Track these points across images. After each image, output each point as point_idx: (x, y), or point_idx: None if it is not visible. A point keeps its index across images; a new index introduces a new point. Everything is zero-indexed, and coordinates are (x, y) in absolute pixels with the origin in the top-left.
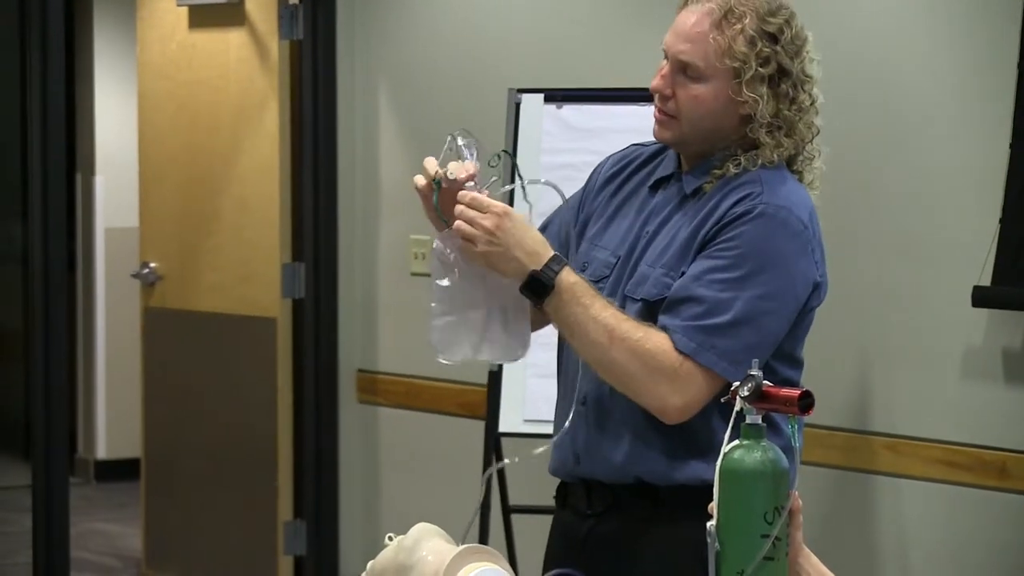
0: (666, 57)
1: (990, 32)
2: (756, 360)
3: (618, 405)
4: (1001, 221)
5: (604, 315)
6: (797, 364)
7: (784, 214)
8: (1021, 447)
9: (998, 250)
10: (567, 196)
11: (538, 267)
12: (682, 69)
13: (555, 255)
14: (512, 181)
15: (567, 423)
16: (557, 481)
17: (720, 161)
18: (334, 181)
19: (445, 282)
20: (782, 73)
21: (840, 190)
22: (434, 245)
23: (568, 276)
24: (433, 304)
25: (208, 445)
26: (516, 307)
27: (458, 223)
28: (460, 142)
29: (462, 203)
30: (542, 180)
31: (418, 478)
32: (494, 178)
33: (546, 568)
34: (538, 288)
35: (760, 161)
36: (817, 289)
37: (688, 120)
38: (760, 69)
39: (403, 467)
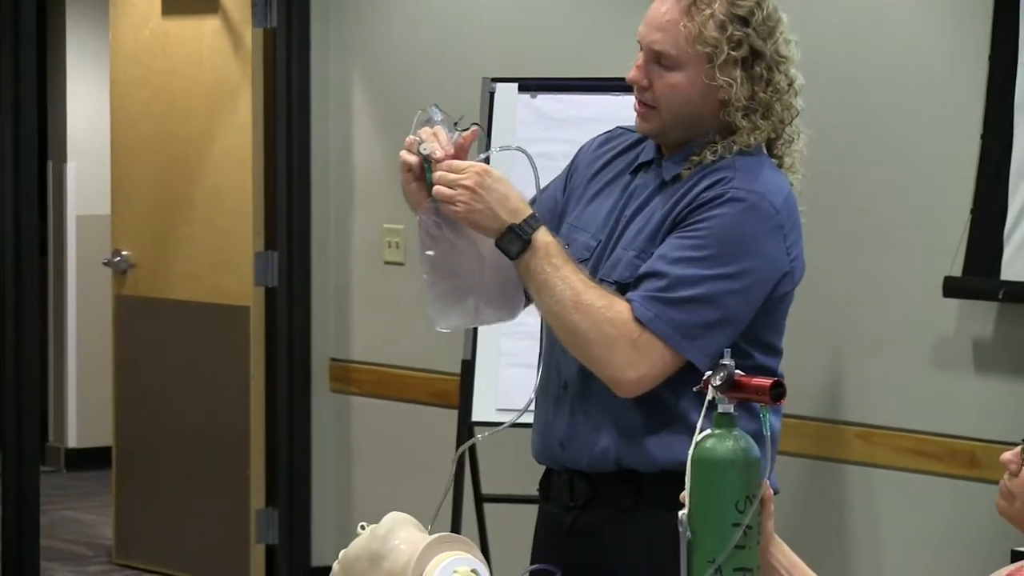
0: (641, 48)
1: (962, 23)
2: (728, 349)
3: (600, 390)
4: (972, 211)
5: (572, 279)
6: (774, 352)
7: (755, 199)
8: (991, 436)
9: (969, 240)
10: (540, 174)
11: (517, 221)
12: (656, 59)
13: (533, 214)
14: (486, 150)
15: (550, 409)
16: (530, 471)
17: (699, 148)
18: (307, 169)
19: (431, 252)
20: (755, 55)
21: (812, 179)
22: (419, 218)
23: (544, 235)
24: (425, 276)
25: (180, 433)
26: (507, 268)
27: (437, 188)
28: (438, 118)
29: (440, 170)
30: (513, 146)
31: (390, 467)
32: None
33: (534, 561)
34: (514, 242)
35: (737, 147)
36: (789, 275)
37: (667, 109)
38: (732, 52)
39: (375, 456)
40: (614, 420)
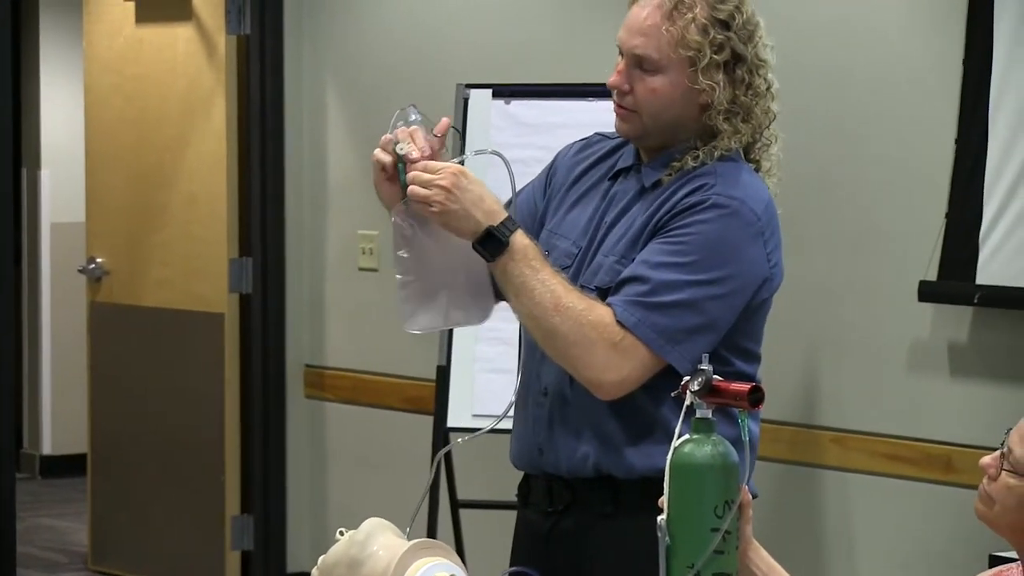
0: (621, 53)
1: (936, 28)
2: (705, 354)
3: (579, 397)
4: (947, 216)
5: (552, 282)
6: (753, 358)
7: (736, 205)
8: (966, 441)
9: (944, 245)
10: (516, 178)
11: (494, 223)
12: (638, 63)
13: (509, 216)
14: (461, 153)
15: (527, 414)
16: (506, 476)
17: (680, 154)
18: (281, 176)
19: (404, 253)
20: (736, 59)
21: (787, 184)
22: (392, 219)
23: (522, 238)
24: (398, 277)
25: (155, 440)
26: (479, 270)
27: (412, 188)
28: (414, 118)
29: (415, 170)
30: (488, 150)
31: (365, 473)
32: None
33: (513, 566)
34: (492, 245)
35: (718, 153)
36: (769, 281)
37: (648, 113)
38: (715, 56)
39: (350, 462)
40: (593, 427)
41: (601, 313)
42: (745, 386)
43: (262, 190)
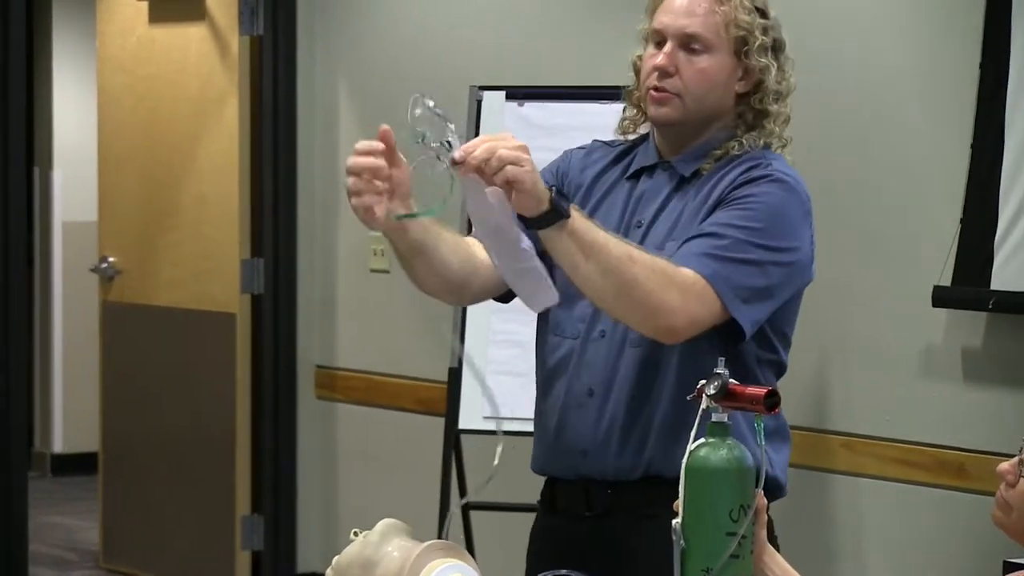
0: (657, 43)
1: (953, 34)
2: (722, 358)
3: (630, 394)
4: (962, 221)
5: (612, 235)
6: (788, 345)
7: (793, 183)
8: (980, 447)
9: (958, 250)
10: None
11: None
12: (686, 44)
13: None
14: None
15: (554, 417)
16: (517, 479)
17: (720, 142)
18: (294, 177)
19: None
20: (777, 45)
21: None
22: (468, 207)
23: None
24: (512, 265)
25: (166, 439)
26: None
27: (500, 153)
28: (419, 111)
29: (468, 151)
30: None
31: (376, 475)
32: (423, 156)
33: (533, 573)
34: (555, 213)
35: (763, 139)
36: (811, 266)
37: (693, 95)
38: (763, 38)
39: (361, 463)
40: (646, 424)
41: (671, 263)
42: (761, 390)
43: (274, 191)
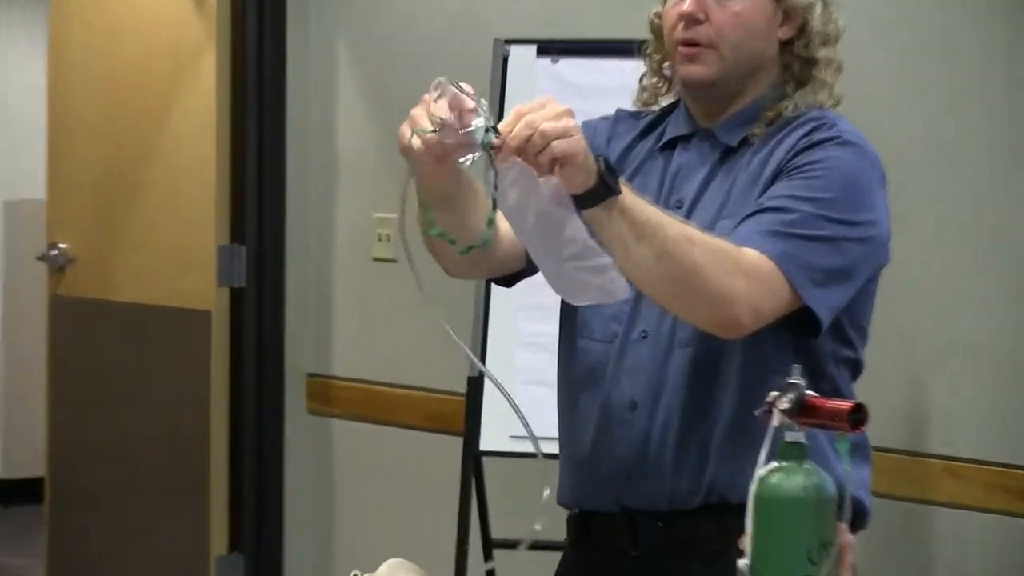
0: None
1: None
2: (798, 366)
3: (684, 402)
4: None
5: (667, 214)
6: (866, 339)
7: (867, 148)
8: None
9: None
10: None
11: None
12: None
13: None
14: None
15: (585, 437)
16: (551, 511)
17: (769, 103)
18: (282, 147)
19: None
20: None
21: (893, 174)
22: (550, 191)
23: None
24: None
25: (125, 463)
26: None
27: (544, 127)
28: (469, 90)
29: (505, 130)
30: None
31: (379, 505)
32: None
33: None
34: (604, 187)
35: (818, 97)
36: (888, 244)
37: (729, 44)
38: None
39: (361, 492)
40: (704, 438)
41: (732, 244)
42: (844, 404)
43: (259, 164)
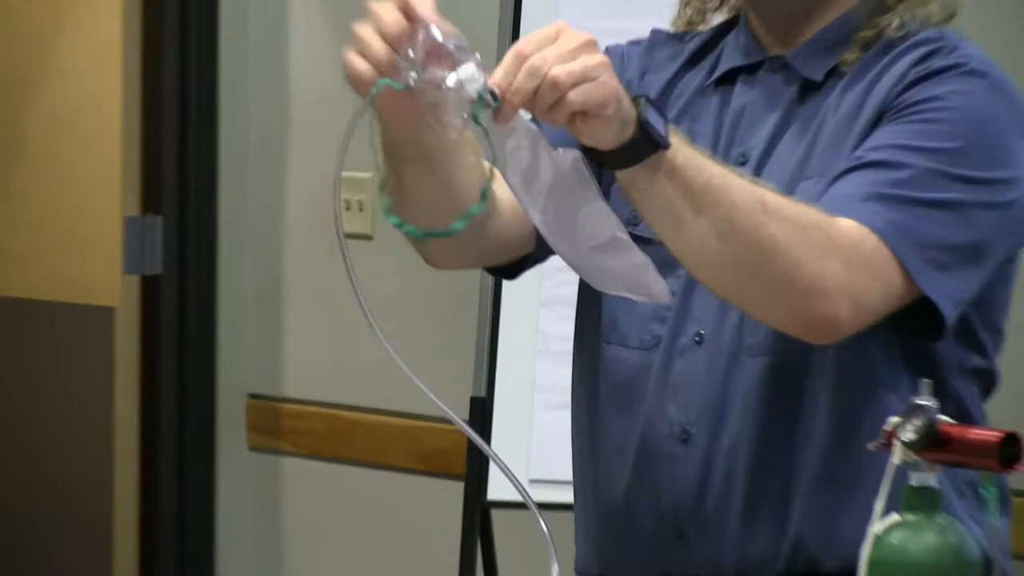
0: None
1: None
2: (927, 381)
3: (764, 435)
4: None
5: (735, 174)
6: (1000, 344)
7: (1002, 79)
8: None
9: None
10: None
11: (640, 107)
12: None
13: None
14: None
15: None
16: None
17: (862, 19)
18: (214, 88)
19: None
20: None
21: None
22: (571, 162)
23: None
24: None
25: (6, 509)
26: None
27: (554, 74)
28: (456, 42)
29: (502, 84)
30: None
31: (348, 570)
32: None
33: None
34: (644, 140)
35: (928, 8)
36: None
37: None
38: None
39: (322, 553)
40: (786, 482)
41: (823, 214)
42: (992, 434)
43: (180, 111)
